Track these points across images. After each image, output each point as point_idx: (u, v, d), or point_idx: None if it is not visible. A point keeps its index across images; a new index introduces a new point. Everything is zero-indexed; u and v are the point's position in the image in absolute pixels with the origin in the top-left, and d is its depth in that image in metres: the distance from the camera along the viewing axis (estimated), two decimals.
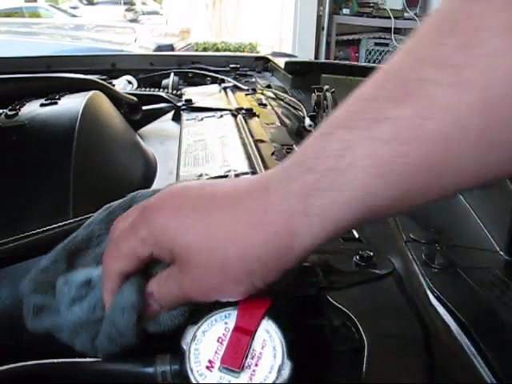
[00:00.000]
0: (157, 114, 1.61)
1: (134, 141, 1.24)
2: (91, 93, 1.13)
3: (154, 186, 1.10)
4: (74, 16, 12.33)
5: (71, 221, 0.74)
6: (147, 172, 1.15)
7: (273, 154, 1.10)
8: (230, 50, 5.94)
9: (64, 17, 11.74)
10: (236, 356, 0.54)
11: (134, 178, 1.09)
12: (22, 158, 0.96)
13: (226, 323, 0.56)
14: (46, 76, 1.38)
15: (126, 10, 13.95)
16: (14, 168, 0.94)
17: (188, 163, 1.07)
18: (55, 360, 0.58)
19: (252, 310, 0.56)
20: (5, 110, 1.07)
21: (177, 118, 1.50)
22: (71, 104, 1.06)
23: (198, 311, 0.58)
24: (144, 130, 1.49)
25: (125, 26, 6.72)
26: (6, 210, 0.89)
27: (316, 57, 5.62)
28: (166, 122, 1.54)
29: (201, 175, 0.97)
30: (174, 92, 1.82)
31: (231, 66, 2.17)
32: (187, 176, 0.98)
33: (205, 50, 5.93)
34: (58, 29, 5.76)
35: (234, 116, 1.37)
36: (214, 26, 9.07)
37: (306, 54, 5.10)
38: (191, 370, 0.54)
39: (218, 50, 5.94)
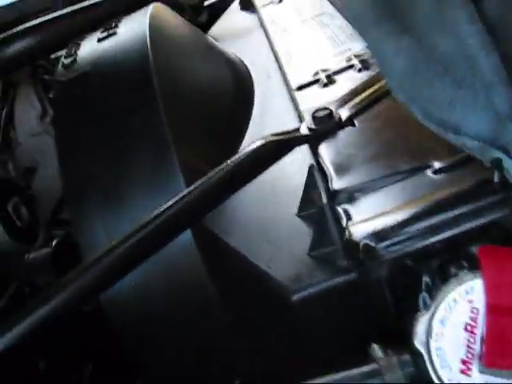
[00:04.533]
0: (221, 8, 1.38)
1: (212, 49, 1.03)
2: (150, 9, 0.92)
3: (257, 95, 0.91)
4: None
5: (188, 190, 0.57)
6: (240, 79, 0.95)
7: None
8: None
9: None
10: (503, 350, 0.36)
11: (228, 92, 0.90)
12: (97, 110, 0.78)
13: (470, 302, 0.38)
14: (92, 3, 1.18)
15: None
16: (93, 126, 0.77)
17: (290, 58, 0.86)
18: None
19: (504, 274, 0.37)
20: (61, 60, 0.89)
21: (247, 6, 1.27)
22: (133, 30, 0.86)
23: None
24: (214, 30, 1.27)
25: None
26: (100, 175, 0.73)
27: None
28: (235, 15, 1.31)
29: (316, 73, 0.76)
30: None
31: None
32: (299, 77, 0.78)
33: None
34: None
35: None
36: None
37: None
38: (439, 378, 0.37)
39: None
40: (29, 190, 0.98)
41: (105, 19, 0.99)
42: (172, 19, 0.99)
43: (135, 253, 0.56)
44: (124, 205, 0.67)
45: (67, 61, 0.87)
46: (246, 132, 0.81)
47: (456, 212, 0.44)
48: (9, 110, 1.16)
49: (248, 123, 0.83)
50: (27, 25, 1.16)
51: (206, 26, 1.26)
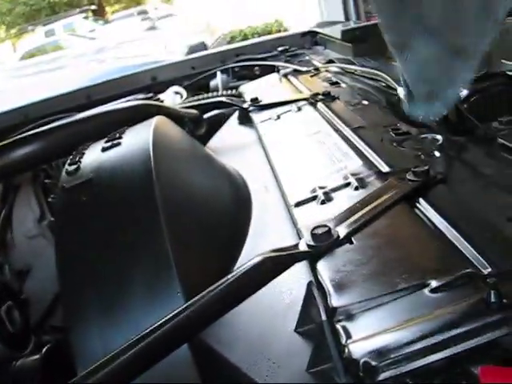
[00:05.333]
0: (219, 122, 1.44)
1: (212, 162, 1.06)
2: (154, 122, 0.95)
3: (254, 208, 0.92)
4: (93, 39, 12.27)
5: (186, 305, 0.57)
6: (238, 192, 0.98)
7: (382, 140, 0.91)
8: (258, 33, 5.72)
9: (85, 42, 11.68)
10: None
11: (226, 204, 0.92)
12: (99, 219, 0.79)
13: None
14: (97, 113, 1.22)
15: (142, 20, 13.83)
16: (95, 234, 0.78)
17: (287, 173, 0.89)
18: None
19: None
20: (65, 166, 0.91)
21: (245, 121, 1.32)
22: (137, 142, 0.89)
23: None
24: (213, 143, 1.32)
25: (146, 36, 6.57)
26: (99, 285, 0.73)
27: (346, 17, 5.34)
28: (233, 129, 1.36)
29: (314, 190, 0.78)
30: (229, 92, 1.66)
31: (279, 49, 1.98)
32: (296, 193, 0.80)
33: (233, 39, 5.73)
34: (83, 56, 5.67)
35: (313, 105, 1.18)
36: (232, 13, 8.88)
37: (335, 16, 4.84)
38: None
39: (245, 35, 5.73)
40: (21, 294, 0.97)
41: (107, 129, 1.02)
42: (173, 132, 1.03)
43: (131, 367, 0.55)
44: (122, 315, 0.67)
45: (71, 168, 0.89)
46: (243, 244, 0.82)
47: (454, 332, 0.44)
48: (7, 211, 1.17)
49: (246, 235, 0.84)
50: (32, 132, 1.20)
51: (204, 138, 1.31)
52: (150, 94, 1.85)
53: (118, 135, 0.96)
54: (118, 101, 1.78)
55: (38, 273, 1.10)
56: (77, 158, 0.93)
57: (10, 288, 0.88)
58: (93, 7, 16.86)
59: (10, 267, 1.03)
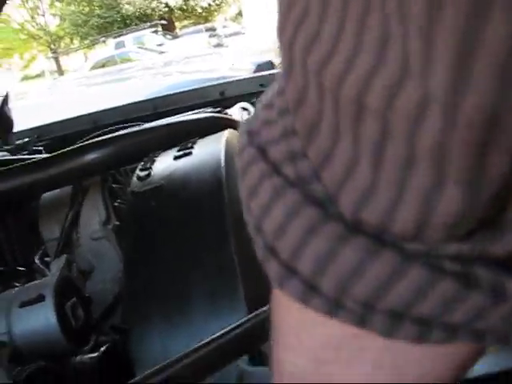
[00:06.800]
0: None
1: None
2: (226, 135, 0.97)
3: None
4: (161, 52, 12.54)
5: (249, 317, 0.58)
6: None
7: None
8: None
9: (153, 55, 11.96)
10: None
11: None
12: (167, 224, 0.81)
13: None
14: (167, 123, 1.25)
15: (210, 37, 14.05)
16: (163, 239, 0.79)
17: None
18: None
19: None
20: (136, 172, 0.94)
21: None
22: (209, 152, 0.91)
23: None
24: None
25: (214, 52, 6.67)
26: (164, 290, 0.74)
27: None
28: None
29: None
30: None
31: None
32: None
33: None
34: (150, 68, 5.79)
35: None
36: None
37: None
38: None
39: None
40: (85, 292, 1.00)
41: (178, 139, 1.05)
42: None
43: (190, 373, 0.56)
44: (183, 321, 0.68)
45: (142, 173, 0.91)
46: None
47: None
48: (75, 212, 1.20)
49: None
50: (104, 137, 1.23)
51: None
52: (219, 109, 1.87)
53: (189, 145, 0.98)
54: (186, 113, 1.81)
55: (100, 274, 1.12)
56: (148, 165, 0.95)
57: (75, 285, 0.90)
58: (163, 22, 17.26)
59: (76, 266, 1.06)
